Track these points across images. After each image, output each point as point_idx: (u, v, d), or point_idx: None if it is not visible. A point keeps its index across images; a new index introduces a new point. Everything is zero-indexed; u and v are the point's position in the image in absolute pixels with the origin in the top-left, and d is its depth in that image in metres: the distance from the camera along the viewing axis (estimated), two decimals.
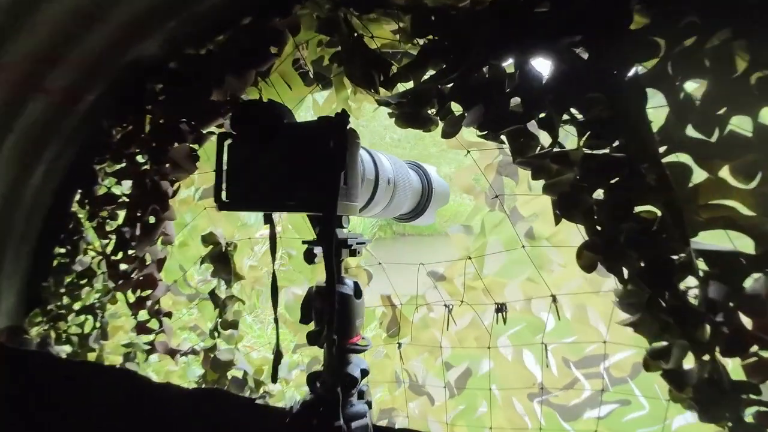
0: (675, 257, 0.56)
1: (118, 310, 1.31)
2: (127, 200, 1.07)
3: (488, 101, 0.60)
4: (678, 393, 0.61)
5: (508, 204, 0.79)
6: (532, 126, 0.60)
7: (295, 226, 1.01)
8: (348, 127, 0.44)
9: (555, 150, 0.57)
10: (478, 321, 0.81)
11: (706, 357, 0.59)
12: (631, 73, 0.54)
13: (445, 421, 0.86)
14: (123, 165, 1.09)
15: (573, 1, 0.56)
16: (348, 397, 0.57)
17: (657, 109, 0.57)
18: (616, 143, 0.56)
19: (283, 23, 0.81)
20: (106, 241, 1.18)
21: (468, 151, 0.76)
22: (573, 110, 0.58)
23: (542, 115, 0.60)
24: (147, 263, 1.07)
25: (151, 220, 1.00)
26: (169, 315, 1.10)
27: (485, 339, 0.80)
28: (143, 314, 1.14)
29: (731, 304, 0.55)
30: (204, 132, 0.93)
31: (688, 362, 0.59)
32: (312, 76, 0.86)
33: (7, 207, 1.14)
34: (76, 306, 1.29)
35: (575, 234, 0.71)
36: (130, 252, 1.08)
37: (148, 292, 1.09)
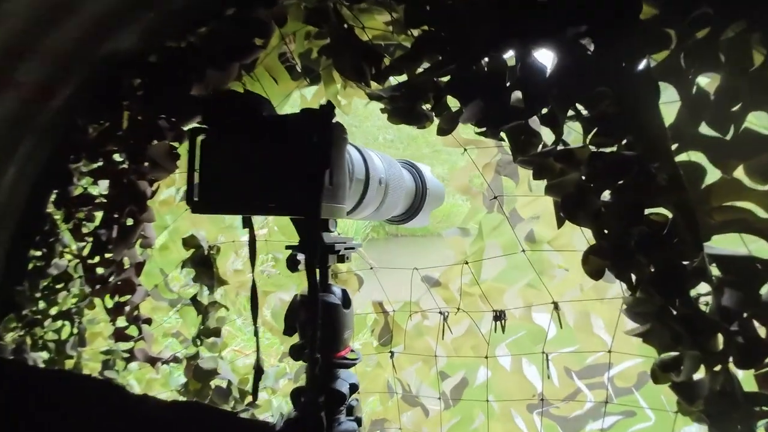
0: (687, 263, 0.53)
1: (97, 315, 1.27)
2: (104, 201, 1.02)
3: (487, 96, 0.57)
4: (688, 406, 0.58)
5: (508, 205, 0.76)
6: (534, 123, 0.58)
7: (282, 229, 0.97)
8: (334, 121, 0.40)
9: (559, 148, 0.54)
10: (475, 329, 0.77)
11: (718, 368, 0.56)
12: (641, 65, 0.51)
13: None
14: (100, 164, 1.04)
15: None
16: (335, 414, 0.53)
17: (666, 106, 0.54)
18: (625, 141, 0.52)
19: (269, 14, 0.77)
20: (83, 243, 1.14)
21: (465, 149, 0.72)
22: (578, 105, 0.55)
23: (545, 110, 0.56)
24: (125, 267, 1.02)
25: (129, 222, 0.96)
26: (148, 321, 1.05)
27: (482, 348, 0.77)
28: (122, 320, 1.10)
29: (746, 313, 0.52)
30: (185, 129, 0.88)
31: (699, 373, 0.57)
32: (299, 70, 0.82)
33: None
34: (53, 311, 1.25)
35: (578, 237, 0.68)
36: (107, 255, 1.04)
37: (127, 297, 1.05)
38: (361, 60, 0.65)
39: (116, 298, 1.08)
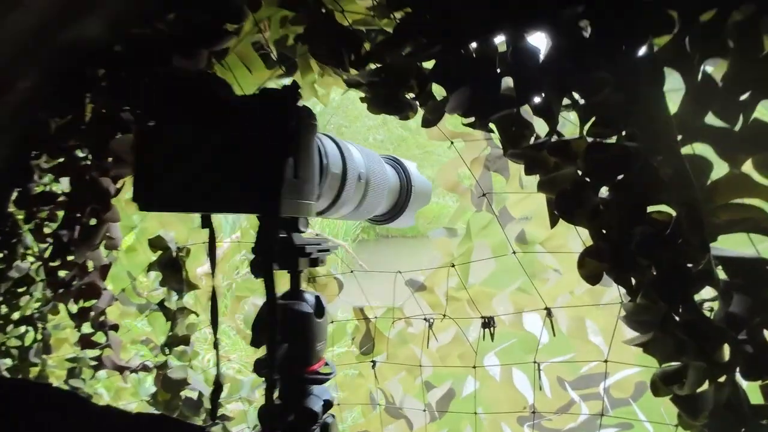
0: (691, 265, 0.49)
1: (62, 321, 1.22)
2: (66, 200, 0.96)
3: (475, 83, 0.52)
4: (691, 420, 0.54)
5: (498, 203, 0.72)
6: (527, 113, 0.53)
7: (255, 227, 0.91)
8: (300, 105, 0.35)
9: (553, 140, 0.49)
10: (462, 336, 0.73)
11: (723, 379, 0.52)
12: (643, 49, 0.47)
13: None
14: (61, 160, 0.98)
15: None
16: None
17: (669, 94, 0.50)
18: (626, 132, 0.48)
19: None
20: (45, 245, 1.08)
21: (452, 142, 0.68)
22: (575, 93, 0.51)
23: (538, 99, 0.52)
24: (89, 270, 0.96)
25: (92, 222, 0.89)
26: (115, 328, 0.99)
27: (470, 357, 0.72)
28: (88, 326, 1.04)
29: (756, 320, 0.48)
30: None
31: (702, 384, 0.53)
32: (274, 58, 0.77)
33: None
34: (15, 316, 1.20)
35: (573, 238, 0.64)
36: (69, 258, 0.97)
37: (92, 302, 0.99)
38: (338, 44, 0.60)
39: (81, 303, 1.03)
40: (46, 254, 1.04)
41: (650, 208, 0.49)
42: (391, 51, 0.57)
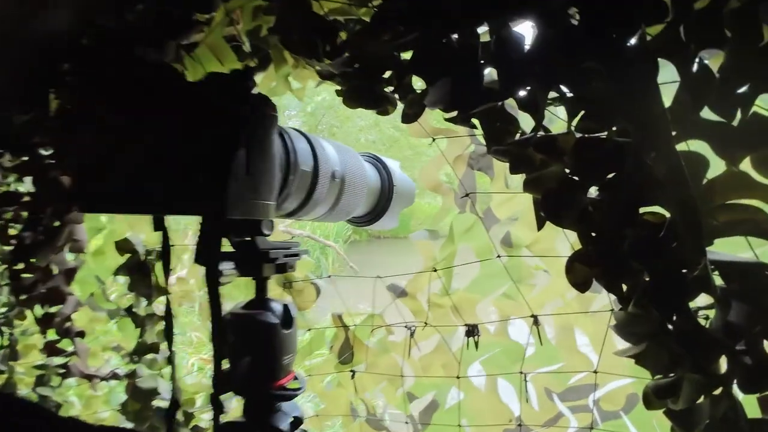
0: (686, 271, 0.46)
1: (30, 326, 1.17)
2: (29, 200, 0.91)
3: (456, 73, 0.48)
4: None
5: (482, 204, 0.68)
6: (512, 107, 0.50)
7: None
8: (256, 93, 0.31)
9: (539, 135, 0.46)
10: (445, 345, 0.69)
11: (719, 391, 0.49)
12: (635, 38, 0.43)
13: None
14: (25, 159, 0.93)
15: None
16: None
17: (663, 87, 0.47)
18: (617, 126, 0.45)
19: None
20: (10, 247, 1.03)
21: (433, 139, 0.64)
22: (562, 86, 0.47)
23: (524, 93, 0.48)
24: (54, 274, 0.91)
25: (56, 223, 0.85)
26: (81, 334, 0.94)
27: (454, 366, 0.69)
28: (53, 333, 0.99)
29: (755, 329, 0.45)
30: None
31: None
32: (247, 50, 0.73)
33: None
34: None
35: (562, 241, 0.61)
36: (33, 261, 0.93)
37: (58, 307, 0.94)
38: (312, 34, 0.56)
39: (46, 308, 0.98)
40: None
41: (642, 209, 0.46)
42: (368, 40, 0.53)
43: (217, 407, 0.36)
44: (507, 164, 0.52)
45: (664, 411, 0.52)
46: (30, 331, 1.18)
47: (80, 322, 1.08)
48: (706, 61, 0.45)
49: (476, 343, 0.66)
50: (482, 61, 0.49)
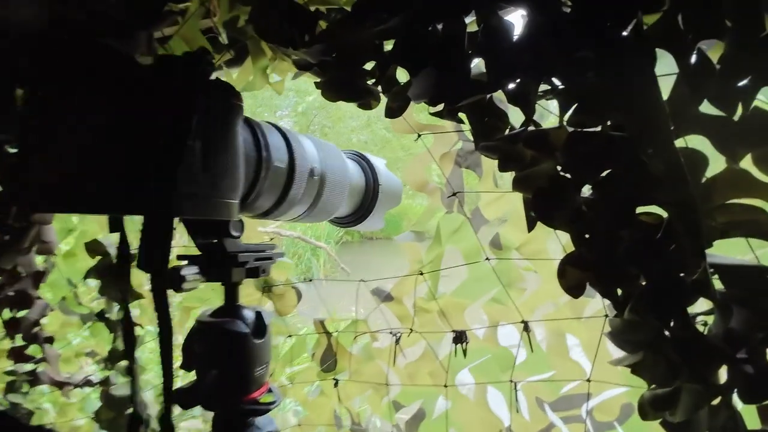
0: (684, 274, 0.44)
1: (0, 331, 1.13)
2: None
3: (442, 64, 0.46)
4: None
5: (471, 204, 0.65)
6: (501, 101, 0.47)
7: None
8: (216, 79, 0.28)
9: (530, 130, 0.43)
10: (432, 352, 0.66)
11: (717, 400, 0.47)
12: (631, 26, 0.41)
13: None
14: None
15: None
16: None
17: (660, 80, 0.45)
18: (612, 121, 0.42)
19: None
20: None
21: (419, 135, 0.61)
22: (554, 78, 0.45)
23: (513, 84, 0.46)
24: (21, 276, 0.87)
25: (22, 224, 0.80)
26: (50, 340, 0.90)
27: (441, 374, 0.66)
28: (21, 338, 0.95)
29: (758, 336, 0.43)
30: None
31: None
32: (224, 41, 0.69)
33: None
34: None
35: (554, 243, 0.58)
36: None
37: (25, 311, 0.90)
38: (289, 22, 0.53)
39: (13, 313, 0.94)
40: None
41: (639, 209, 0.43)
42: (348, 28, 0.50)
43: (169, 428, 0.32)
44: (496, 161, 0.49)
45: (660, 422, 0.50)
46: None
47: (51, 326, 1.04)
48: (710, 49, 0.42)
49: (464, 350, 0.63)
50: (469, 51, 0.47)
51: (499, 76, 0.45)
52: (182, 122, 0.25)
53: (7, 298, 0.89)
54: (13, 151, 0.90)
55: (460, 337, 0.63)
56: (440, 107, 0.49)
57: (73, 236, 0.92)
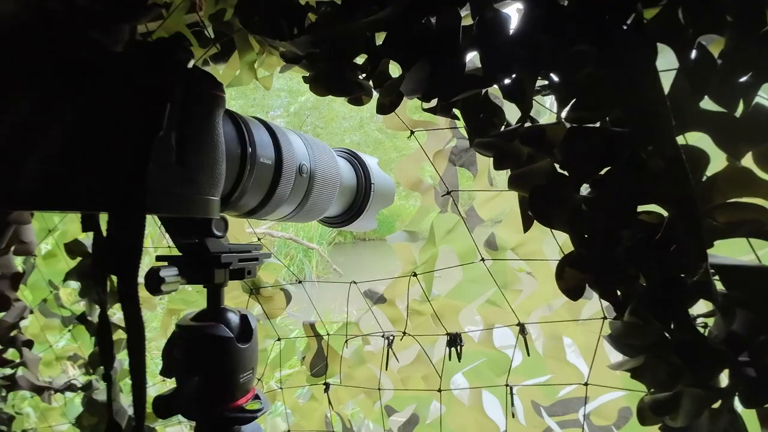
0: (684, 276, 0.43)
1: None
2: None
3: (436, 58, 0.44)
4: None
5: (465, 203, 0.64)
6: (496, 97, 0.46)
7: None
8: (194, 67, 0.26)
9: (526, 126, 0.42)
10: (425, 356, 0.65)
11: (718, 404, 0.46)
12: (631, 19, 0.40)
13: None
14: None
15: None
16: None
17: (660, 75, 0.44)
18: (611, 116, 0.41)
19: None
20: None
21: (411, 132, 0.60)
22: (551, 72, 0.44)
23: (509, 79, 0.45)
24: None
25: None
26: (29, 344, 0.88)
27: (435, 378, 0.65)
28: None
29: (760, 338, 0.42)
30: None
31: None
32: (209, 35, 0.68)
33: None
34: None
35: (551, 243, 0.57)
36: None
37: (1, 314, 0.87)
38: (277, 14, 0.51)
39: None
40: None
41: (639, 208, 0.42)
42: (338, 18, 0.49)
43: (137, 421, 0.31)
44: (491, 159, 0.48)
45: (660, 427, 0.49)
46: None
47: (32, 329, 1.01)
48: (711, 43, 0.42)
49: (459, 354, 0.62)
50: (464, 45, 0.46)
51: (494, 70, 0.44)
52: (154, 112, 0.24)
53: None
54: None
55: (454, 340, 0.61)
56: (434, 103, 0.47)
57: (54, 236, 0.90)
